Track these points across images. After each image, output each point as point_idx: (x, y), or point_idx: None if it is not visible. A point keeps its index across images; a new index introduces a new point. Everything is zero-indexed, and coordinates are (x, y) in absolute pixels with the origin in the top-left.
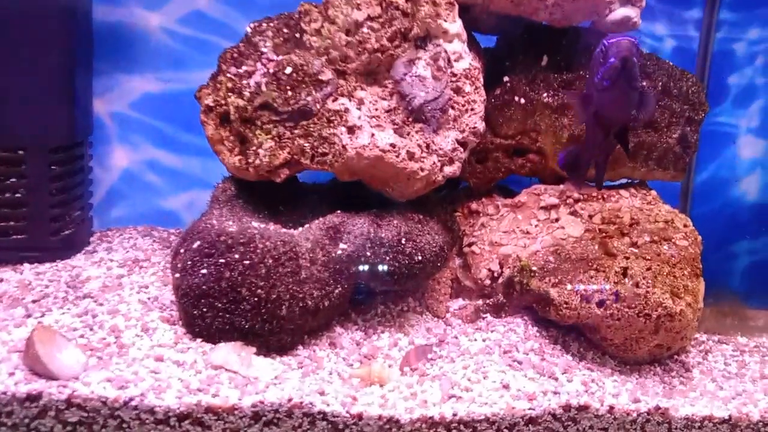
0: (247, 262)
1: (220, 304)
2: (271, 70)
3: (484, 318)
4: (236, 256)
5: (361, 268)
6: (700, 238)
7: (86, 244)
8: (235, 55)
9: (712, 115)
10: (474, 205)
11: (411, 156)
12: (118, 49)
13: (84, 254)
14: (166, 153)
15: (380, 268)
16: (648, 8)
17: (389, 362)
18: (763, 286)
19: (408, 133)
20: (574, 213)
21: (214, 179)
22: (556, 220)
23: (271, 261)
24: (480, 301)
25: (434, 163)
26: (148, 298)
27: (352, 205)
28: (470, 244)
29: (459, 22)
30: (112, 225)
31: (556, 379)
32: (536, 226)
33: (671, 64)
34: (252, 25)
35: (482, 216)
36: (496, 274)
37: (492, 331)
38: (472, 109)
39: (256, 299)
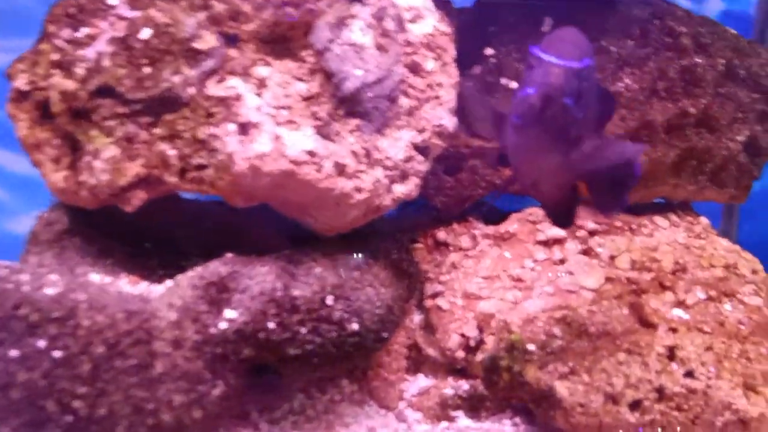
0: (59, 353)
1: (8, 429)
2: (121, 35)
3: (454, 419)
4: (41, 343)
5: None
6: None
7: None
8: (72, 10)
9: None
10: (442, 235)
11: (341, 170)
12: None
13: None
14: (12, 154)
15: (291, 351)
16: None
17: None
18: None
19: (337, 134)
20: (587, 252)
21: None
22: (562, 261)
23: (102, 349)
24: (449, 390)
25: (378, 179)
26: None
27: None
28: (435, 295)
29: None
30: None
31: None
32: (532, 270)
33: (734, 32)
34: None
35: (453, 251)
36: (472, 343)
37: None
38: (436, 97)
39: (70, 418)
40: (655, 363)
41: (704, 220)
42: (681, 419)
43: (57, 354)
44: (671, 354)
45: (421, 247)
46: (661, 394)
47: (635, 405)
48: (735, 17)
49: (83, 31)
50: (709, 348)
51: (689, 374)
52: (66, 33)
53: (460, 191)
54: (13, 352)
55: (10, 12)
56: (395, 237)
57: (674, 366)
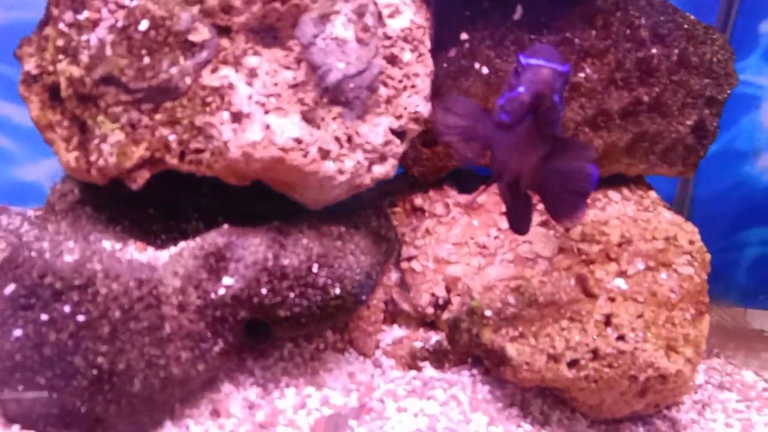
0: (83, 317)
1: (43, 379)
2: (120, 24)
3: (421, 369)
4: (66, 308)
5: (255, 311)
6: (708, 257)
7: None
8: None
9: None
10: (418, 201)
11: (325, 154)
12: None
13: None
14: (17, 107)
15: (281, 313)
16: None
17: None
18: None
19: (322, 119)
20: (545, 223)
21: None
22: None
23: (118, 313)
24: (418, 343)
25: (359, 162)
26: None
27: (256, 203)
28: (410, 258)
29: None
30: None
31: None
32: (496, 237)
33: (692, 18)
34: None
35: (428, 217)
36: (441, 301)
37: (428, 398)
38: (413, 86)
39: (95, 372)
40: (593, 329)
41: (653, 193)
42: (611, 374)
43: (80, 318)
44: (607, 321)
45: (399, 211)
46: (595, 354)
47: (573, 363)
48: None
49: (84, 15)
50: (640, 316)
51: (621, 338)
52: (68, 16)
53: (436, 162)
54: (43, 316)
55: None
56: (375, 204)
57: (609, 331)
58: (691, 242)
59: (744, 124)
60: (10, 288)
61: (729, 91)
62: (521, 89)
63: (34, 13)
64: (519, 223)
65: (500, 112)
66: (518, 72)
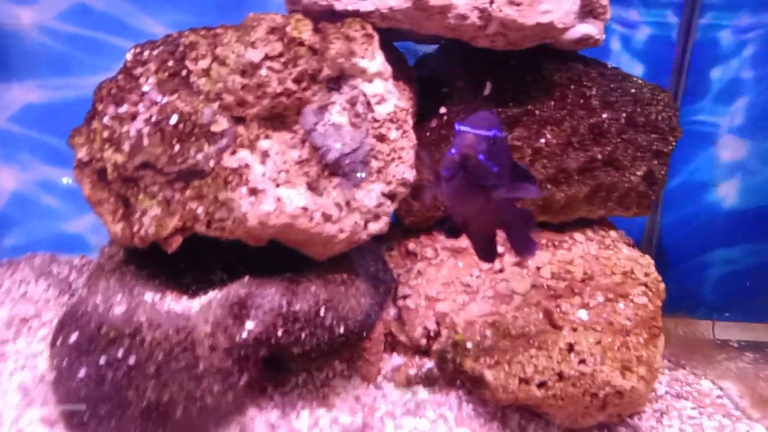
0: (133, 360)
1: (103, 411)
2: (154, 118)
3: (416, 392)
4: (120, 353)
5: (273, 349)
6: (662, 286)
7: None
8: (114, 91)
9: (690, 113)
10: (411, 245)
11: (327, 218)
12: None
13: None
14: (62, 171)
15: (295, 350)
16: None
17: None
18: (736, 297)
19: (324, 188)
20: (520, 264)
21: None
22: (500, 270)
23: (161, 356)
24: (413, 370)
25: (356, 222)
26: (33, 378)
27: (269, 255)
28: (405, 297)
29: (380, 58)
30: (4, 255)
31: None
32: (478, 277)
33: (640, 81)
34: (132, 52)
35: (419, 260)
36: (432, 333)
37: (420, 416)
38: (399, 158)
39: (145, 404)
40: (558, 355)
41: (613, 233)
42: (574, 392)
43: (131, 360)
44: (570, 348)
45: (395, 254)
46: (560, 376)
47: (541, 384)
48: (660, 42)
49: (124, 108)
50: (598, 342)
51: (582, 362)
52: (111, 110)
53: (424, 213)
54: (102, 359)
55: (45, 54)
56: (374, 251)
57: (572, 356)
58: (647, 274)
59: (703, 159)
60: (73, 336)
61: (674, 143)
62: (453, 150)
63: (71, 92)
64: (482, 255)
65: (442, 168)
66: (453, 136)
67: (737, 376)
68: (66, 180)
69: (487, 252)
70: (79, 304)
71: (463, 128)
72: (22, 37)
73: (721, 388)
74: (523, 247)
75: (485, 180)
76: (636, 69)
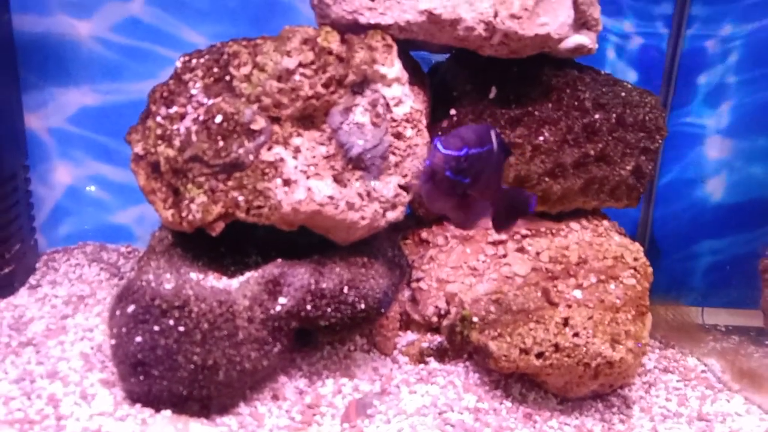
0: (182, 328)
1: (157, 372)
2: (201, 118)
3: (428, 362)
4: (171, 322)
5: (302, 322)
6: (650, 270)
7: (32, 272)
8: (165, 93)
9: (680, 115)
10: (424, 234)
11: (351, 206)
12: (48, 61)
13: (28, 289)
14: (111, 167)
15: (321, 323)
16: (615, 4)
17: (332, 411)
18: (722, 284)
19: (348, 180)
20: (521, 249)
21: None
22: (504, 256)
23: (206, 325)
24: (425, 344)
25: (376, 210)
26: (91, 348)
27: (298, 241)
28: (418, 280)
29: (398, 66)
30: (60, 244)
31: None
32: (483, 261)
33: (630, 86)
34: (182, 60)
35: (431, 247)
36: (443, 311)
37: (432, 383)
38: (414, 153)
39: (192, 366)
40: (554, 329)
41: (606, 222)
42: (569, 362)
43: (181, 328)
44: (565, 322)
45: (409, 242)
46: (557, 347)
47: (540, 355)
48: (651, 51)
49: (174, 109)
50: (590, 318)
51: (576, 335)
52: (163, 111)
53: None
54: (155, 327)
55: (99, 62)
56: (390, 238)
57: (567, 330)
58: (636, 259)
59: (692, 157)
60: (131, 307)
61: (660, 141)
62: (427, 162)
63: (121, 96)
64: (459, 225)
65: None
66: (432, 149)
67: (720, 353)
68: (89, 188)
69: (464, 223)
70: (135, 280)
71: (438, 145)
72: (79, 46)
73: (705, 364)
74: (500, 226)
75: (454, 190)
76: (630, 76)
